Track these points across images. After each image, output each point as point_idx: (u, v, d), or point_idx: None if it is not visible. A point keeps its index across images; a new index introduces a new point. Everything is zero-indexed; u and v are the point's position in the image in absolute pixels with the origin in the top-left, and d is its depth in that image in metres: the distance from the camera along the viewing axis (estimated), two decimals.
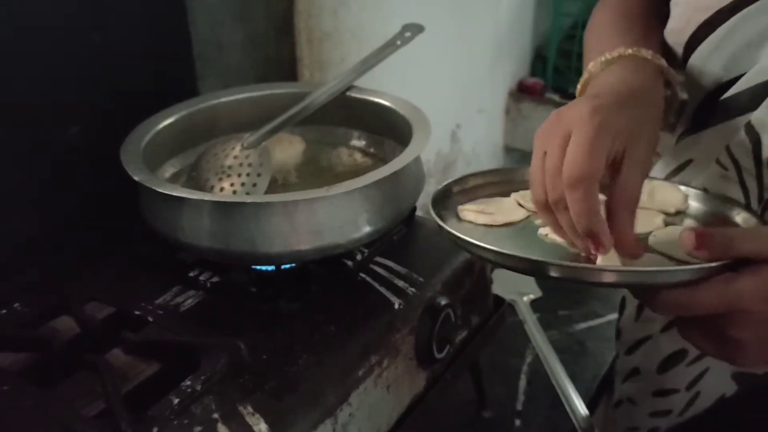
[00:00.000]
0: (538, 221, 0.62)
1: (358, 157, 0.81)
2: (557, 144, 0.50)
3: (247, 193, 0.71)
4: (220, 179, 0.72)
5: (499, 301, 0.81)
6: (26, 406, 0.53)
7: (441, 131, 1.52)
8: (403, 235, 0.75)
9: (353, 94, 0.80)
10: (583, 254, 0.54)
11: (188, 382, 0.54)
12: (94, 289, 0.67)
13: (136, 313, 0.63)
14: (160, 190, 0.60)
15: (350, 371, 0.59)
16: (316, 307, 0.64)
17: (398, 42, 0.80)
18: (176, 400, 0.52)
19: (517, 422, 0.83)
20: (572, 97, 0.61)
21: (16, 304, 0.66)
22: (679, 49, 0.63)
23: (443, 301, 0.68)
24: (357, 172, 0.78)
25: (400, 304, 0.65)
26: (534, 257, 0.50)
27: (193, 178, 0.74)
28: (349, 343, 0.60)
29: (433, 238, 0.76)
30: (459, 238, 0.54)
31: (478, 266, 0.75)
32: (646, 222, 0.61)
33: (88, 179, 0.76)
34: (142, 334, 0.60)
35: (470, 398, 0.85)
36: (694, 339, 0.48)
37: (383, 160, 0.80)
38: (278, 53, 1.07)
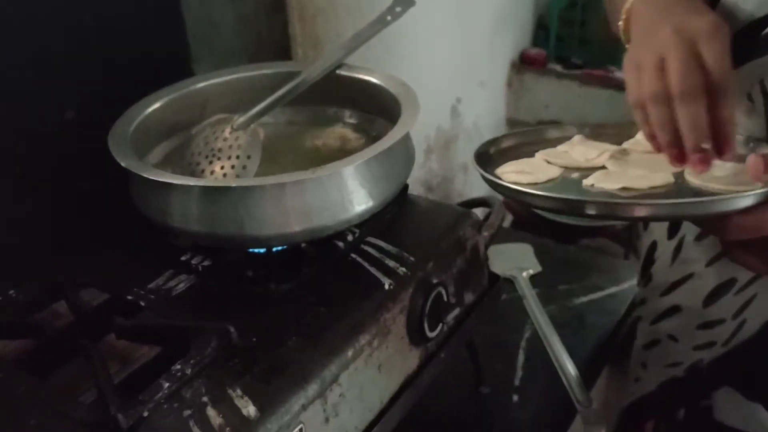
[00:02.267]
0: (574, 175, 0.71)
1: (352, 136, 0.80)
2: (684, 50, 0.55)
3: (237, 176, 0.71)
4: (211, 162, 0.72)
5: (494, 278, 0.81)
6: (20, 393, 0.54)
7: (441, 106, 1.50)
8: (395, 214, 0.75)
9: (343, 72, 0.79)
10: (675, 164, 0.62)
11: (178, 366, 0.55)
12: (88, 275, 0.67)
13: (129, 298, 0.64)
14: (147, 176, 0.60)
15: (339, 352, 0.59)
16: (307, 288, 0.64)
17: (389, 18, 0.79)
18: (166, 384, 0.53)
19: (515, 397, 0.84)
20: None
21: (12, 291, 0.67)
22: None
23: (434, 280, 0.68)
24: (349, 152, 0.78)
25: (390, 284, 0.65)
26: (627, 200, 0.61)
27: (184, 162, 0.74)
28: (339, 323, 0.61)
29: (426, 217, 0.76)
30: (526, 192, 0.65)
31: (471, 244, 0.75)
32: None
33: (85, 164, 0.76)
34: (133, 320, 0.60)
35: (467, 374, 0.85)
36: (751, 263, 0.55)
37: (376, 139, 0.79)
38: (271, 32, 1.06)
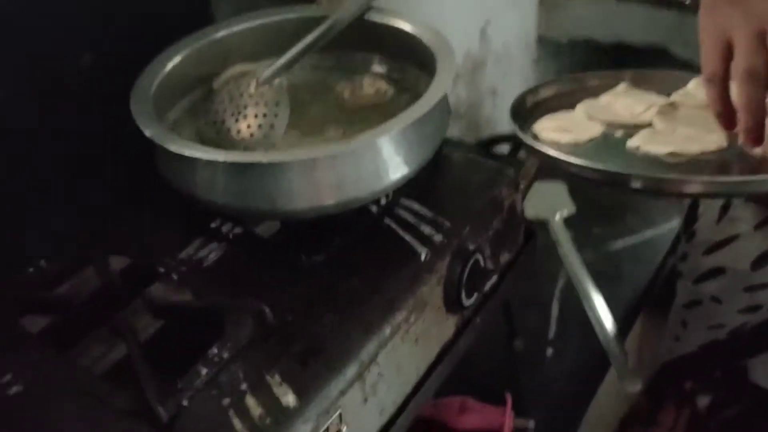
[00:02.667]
0: (617, 133, 0.66)
1: (382, 85, 0.76)
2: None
3: (265, 136, 0.68)
4: (237, 120, 0.69)
5: (529, 233, 0.78)
6: (54, 377, 0.54)
7: (470, 30, 1.43)
8: (429, 172, 0.71)
9: (372, 17, 0.74)
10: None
11: (215, 350, 0.54)
12: (116, 241, 0.66)
13: (161, 270, 0.62)
14: (174, 150, 0.57)
15: (376, 330, 0.57)
16: (340, 259, 0.62)
17: None
18: (204, 371, 0.52)
19: (549, 351, 0.83)
20: None
21: (42, 261, 0.66)
22: None
23: (471, 246, 0.66)
24: (380, 103, 0.74)
25: (426, 254, 0.63)
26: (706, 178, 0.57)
27: (209, 118, 0.70)
28: (374, 298, 0.59)
29: (460, 174, 0.73)
30: (566, 162, 0.61)
31: (508, 203, 0.72)
32: None
33: (106, 115, 0.72)
34: (167, 299, 0.59)
35: (501, 328, 0.84)
36: None
37: (407, 89, 0.75)
38: None
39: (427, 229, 0.65)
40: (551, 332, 0.85)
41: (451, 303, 0.65)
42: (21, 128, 0.68)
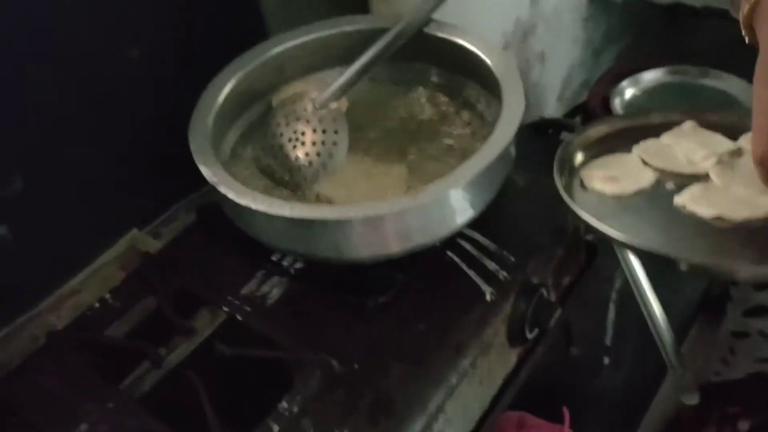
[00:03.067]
0: (669, 185, 0.61)
1: (441, 101, 0.74)
2: None
3: (324, 165, 0.66)
4: (294, 147, 0.68)
5: (591, 250, 0.77)
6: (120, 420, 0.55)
7: None
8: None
9: (430, 31, 0.71)
10: None
11: (285, 404, 0.55)
12: (176, 270, 0.67)
13: (225, 309, 0.63)
14: (239, 202, 0.56)
15: (444, 380, 0.58)
16: (404, 299, 0.62)
17: None
18: (276, 428, 0.53)
19: (606, 360, 0.82)
20: None
21: (107, 295, 0.67)
22: None
23: (536, 280, 0.65)
24: (442, 122, 0.72)
25: (492, 294, 0.62)
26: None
27: (266, 144, 0.69)
28: (441, 345, 0.59)
29: (522, 200, 0.71)
30: (596, 228, 0.56)
31: (572, 227, 0.70)
32: None
33: (156, 116, 0.72)
34: (234, 347, 0.59)
35: (556, 334, 0.83)
36: None
37: (468, 106, 0.73)
38: None
39: (491, 265, 0.64)
40: (607, 338, 0.84)
41: (515, 338, 0.65)
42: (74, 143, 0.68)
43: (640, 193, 0.60)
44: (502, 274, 0.63)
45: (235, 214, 0.61)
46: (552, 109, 1.65)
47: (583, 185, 0.63)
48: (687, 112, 0.69)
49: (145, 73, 0.71)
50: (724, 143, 0.64)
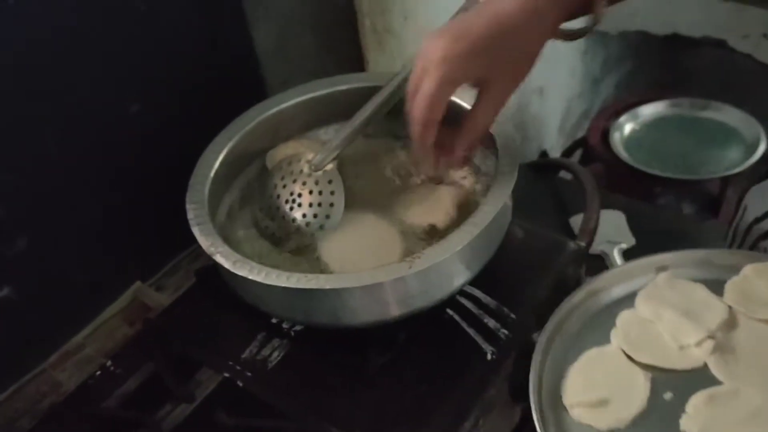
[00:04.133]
0: (666, 395, 0.54)
1: None
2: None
3: (321, 227, 0.66)
4: (291, 208, 0.68)
5: None
6: None
7: None
8: None
9: None
10: None
11: None
12: (176, 335, 0.67)
13: (226, 375, 0.63)
14: (235, 272, 0.57)
15: None
16: (405, 360, 0.62)
17: None
18: None
19: None
20: None
21: (108, 363, 0.67)
22: None
23: (537, 336, 0.65)
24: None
25: (492, 354, 0.62)
26: None
27: (263, 204, 0.69)
28: (443, 408, 0.58)
29: (521, 252, 0.71)
30: None
31: (573, 280, 0.70)
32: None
33: (157, 170, 0.73)
34: (236, 417, 0.59)
35: None
36: None
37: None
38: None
39: (491, 323, 0.64)
40: None
41: (518, 395, 0.64)
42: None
43: (639, 419, 0.52)
44: (503, 332, 0.63)
45: (233, 283, 0.61)
46: (553, 140, 1.65)
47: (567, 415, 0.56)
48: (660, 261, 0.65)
49: (146, 128, 0.72)
50: (712, 306, 0.59)
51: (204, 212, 0.62)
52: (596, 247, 1.01)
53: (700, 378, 0.55)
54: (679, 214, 1.22)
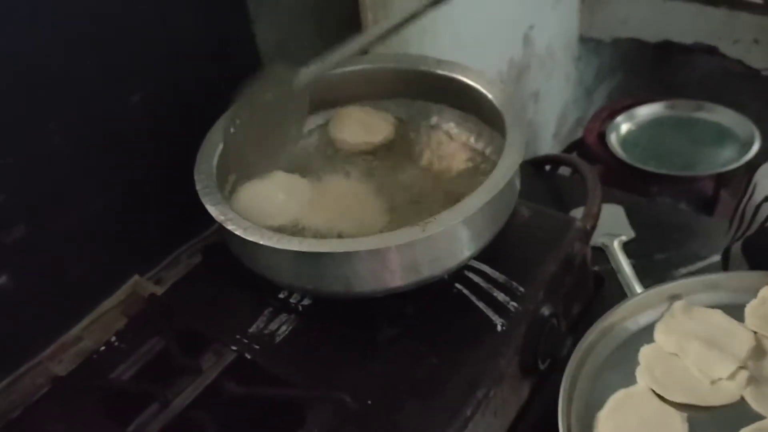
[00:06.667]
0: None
1: (443, 139, 0.74)
2: None
3: None
4: None
5: (598, 279, 0.77)
6: None
7: (514, 37, 1.40)
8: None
9: (430, 68, 0.72)
10: None
11: None
12: (182, 310, 0.66)
13: (234, 348, 0.62)
14: (247, 238, 0.56)
15: (458, 413, 0.56)
16: (415, 333, 0.62)
17: None
18: None
19: None
20: None
21: (113, 338, 0.66)
22: None
23: (547, 311, 0.65)
24: (442, 159, 0.72)
25: (502, 325, 0.62)
26: None
27: None
28: (455, 378, 0.58)
29: (528, 230, 0.71)
30: None
31: (579, 259, 0.70)
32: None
33: (157, 153, 0.72)
34: (245, 386, 0.58)
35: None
36: None
37: (468, 143, 0.73)
38: None
39: (500, 296, 0.64)
40: None
41: (527, 369, 0.64)
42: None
43: None
44: (512, 305, 0.63)
45: (242, 252, 0.61)
46: (548, 146, 1.66)
47: None
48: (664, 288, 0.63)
49: (146, 119, 0.72)
50: (736, 334, 0.57)
51: (213, 183, 0.62)
52: (596, 240, 1.01)
53: (739, 413, 0.52)
54: (677, 208, 1.22)
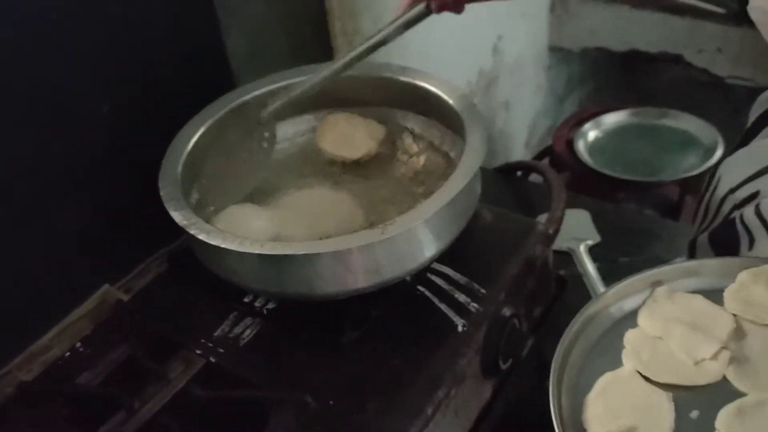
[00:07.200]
0: (693, 413, 0.52)
1: (407, 144, 0.76)
2: None
3: None
4: None
5: (560, 282, 0.78)
6: None
7: (482, 47, 1.42)
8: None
9: (394, 75, 0.74)
10: None
11: None
12: (148, 315, 0.67)
13: (198, 352, 0.63)
14: (209, 242, 0.57)
15: (420, 412, 0.57)
16: (378, 334, 0.62)
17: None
18: None
19: None
20: None
21: (78, 345, 0.66)
22: (764, 29, 0.57)
23: (508, 312, 0.66)
24: (407, 163, 0.74)
25: (464, 326, 0.63)
26: None
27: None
28: (417, 379, 0.59)
29: (490, 234, 0.72)
30: None
31: (541, 261, 0.71)
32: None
33: (126, 163, 0.72)
34: (210, 389, 0.59)
35: (531, 366, 0.83)
36: None
37: (432, 147, 0.75)
38: (306, 4, 0.98)
39: (461, 297, 0.65)
40: None
41: (489, 370, 0.65)
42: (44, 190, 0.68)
43: None
44: (473, 306, 0.64)
45: (206, 257, 0.62)
46: (520, 154, 1.69)
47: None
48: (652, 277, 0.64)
49: (116, 129, 0.72)
50: (717, 317, 0.59)
51: (177, 189, 0.63)
52: (563, 244, 1.03)
53: (722, 391, 0.54)
54: (642, 213, 1.25)
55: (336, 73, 0.68)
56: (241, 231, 0.62)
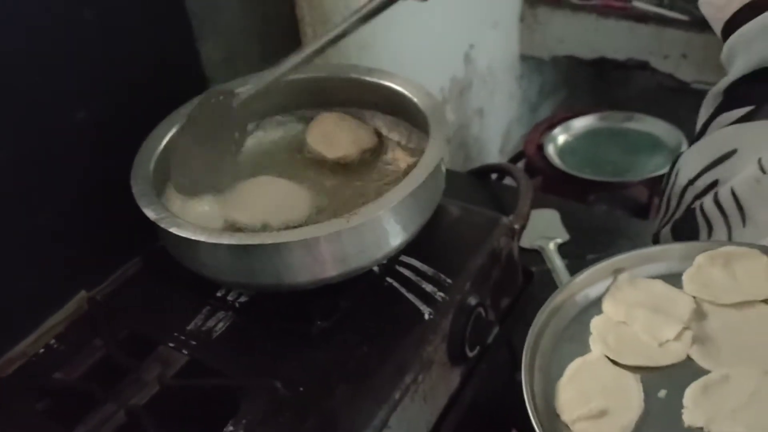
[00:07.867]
0: (660, 392, 0.53)
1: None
2: None
3: None
4: None
5: (526, 274, 0.80)
6: None
7: (454, 55, 1.45)
8: (425, 226, 0.73)
9: (362, 76, 0.76)
10: None
11: (230, 428, 0.56)
12: (122, 312, 0.68)
13: (171, 345, 0.64)
14: (180, 234, 0.59)
15: (387, 397, 0.59)
16: (347, 324, 0.64)
17: None
18: None
19: None
20: None
21: (53, 341, 0.67)
22: (717, 25, 0.59)
23: (473, 301, 0.68)
24: (374, 162, 0.76)
25: (430, 314, 0.65)
26: None
27: None
28: (384, 365, 0.61)
29: (457, 227, 0.74)
30: None
31: (506, 253, 0.74)
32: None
33: (103, 170, 0.73)
34: (181, 378, 0.60)
35: (502, 360, 0.85)
36: None
37: (400, 145, 0.77)
38: (278, 10, 1.01)
39: (428, 287, 0.67)
40: None
41: (456, 357, 0.67)
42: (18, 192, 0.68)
43: (641, 422, 0.51)
44: (440, 295, 0.66)
45: (178, 251, 0.63)
46: (494, 160, 1.72)
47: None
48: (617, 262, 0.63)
49: (91, 135, 0.73)
50: (677, 299, 0.60)
51: (149, 186, 0.64)
52: (533, 243, 1.05)
53: (687, 370, 0.55)
54: (611, 213, 1.28)
55: (308, 59, 0.69)
56: (189, 217, 0.64)
